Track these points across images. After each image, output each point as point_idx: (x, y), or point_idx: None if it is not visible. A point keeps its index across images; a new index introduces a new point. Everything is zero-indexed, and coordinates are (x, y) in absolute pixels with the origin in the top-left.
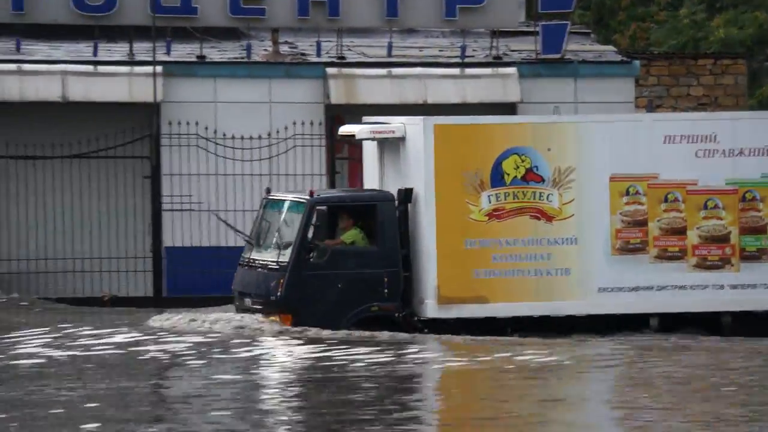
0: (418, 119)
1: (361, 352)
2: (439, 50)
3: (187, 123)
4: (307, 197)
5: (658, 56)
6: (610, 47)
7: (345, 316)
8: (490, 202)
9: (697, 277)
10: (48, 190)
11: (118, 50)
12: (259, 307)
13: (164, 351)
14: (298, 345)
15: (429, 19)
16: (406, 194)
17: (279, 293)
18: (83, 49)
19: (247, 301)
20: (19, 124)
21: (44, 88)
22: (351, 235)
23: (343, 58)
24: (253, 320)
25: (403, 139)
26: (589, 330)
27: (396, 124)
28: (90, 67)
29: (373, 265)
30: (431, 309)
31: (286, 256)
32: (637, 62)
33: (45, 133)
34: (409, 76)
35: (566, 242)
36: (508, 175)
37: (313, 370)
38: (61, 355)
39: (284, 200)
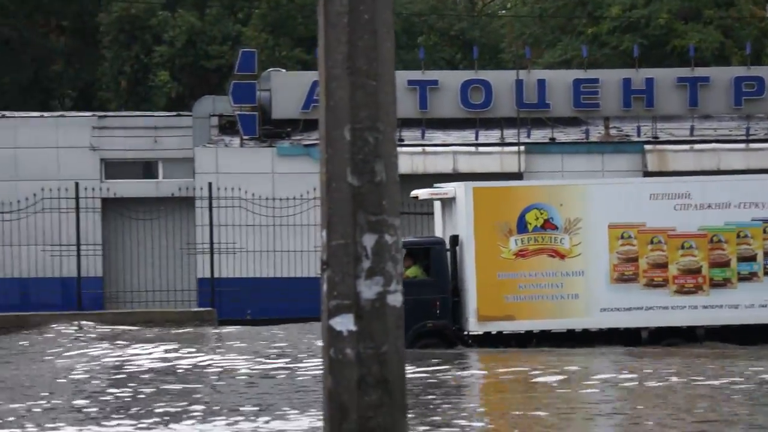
0: (463, 184)
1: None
2: (729, 130)
3: None
4: None
5: None
6: None
7: (407, 331)
8: (516, 245)
9: (677, 300)
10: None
11: (492, 135)
12: None
13: None
14: None
15: (721, 108)
16: (454, 239)
17: None
18: (467, 135)
19: None
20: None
21: (441, 164)
22: (412, 271)
23: (656, 137)
24: None
25: (454, 198)
26: (594, 341)
27: (449, 188)
28: (472, 148)
29: (428, 293)
30: (472, 325)
31: None
32: None
33: None
34: (707, 150)
35: (575, 274)
36: (530, 224)
37: None
38: None
39: None
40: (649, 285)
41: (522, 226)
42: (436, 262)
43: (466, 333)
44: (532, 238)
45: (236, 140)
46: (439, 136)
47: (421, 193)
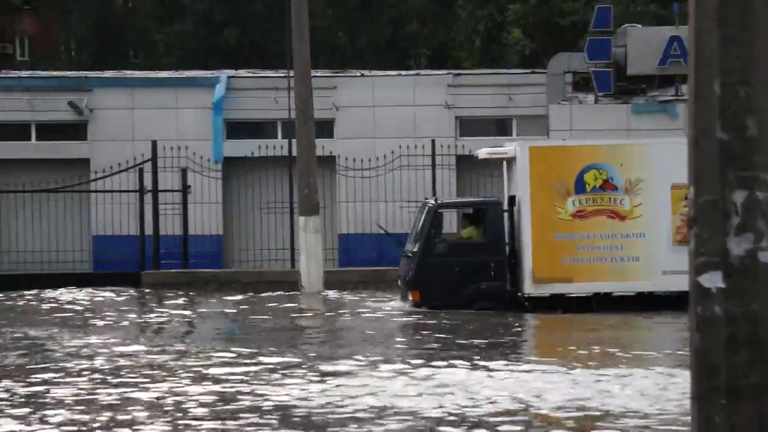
0: (520, 143)
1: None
2: None
3: None
4: (432, 203)
5: None
6: None
7: (460, 292)
8: (574, 206)
9: None
10: None
11: None
12: (403, 286)
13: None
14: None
15: None
16: (511, 200)
17: (410, 275)
18: None
19: (399, 282)
20: None
21: None
22: (468, 232)
23: None
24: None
25: (514, 158)
26: (655, 305)
27: (509, 147)
28: None
29: (483, 254)
30: (528, 287)
31: (417, 247)
32: None
33: None
34: None
35: (636, 236)
36: (589, 184)
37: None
38: None
39: (425, 204)
40: None
41: (580, 187)
42: (492, 223)
43: (522, 295)
44: (590, 198)
45: (590, 97)
46: None
47: (481, 152)
